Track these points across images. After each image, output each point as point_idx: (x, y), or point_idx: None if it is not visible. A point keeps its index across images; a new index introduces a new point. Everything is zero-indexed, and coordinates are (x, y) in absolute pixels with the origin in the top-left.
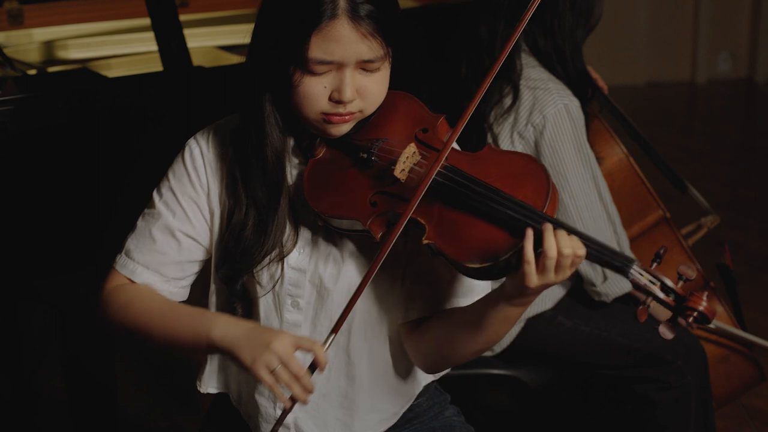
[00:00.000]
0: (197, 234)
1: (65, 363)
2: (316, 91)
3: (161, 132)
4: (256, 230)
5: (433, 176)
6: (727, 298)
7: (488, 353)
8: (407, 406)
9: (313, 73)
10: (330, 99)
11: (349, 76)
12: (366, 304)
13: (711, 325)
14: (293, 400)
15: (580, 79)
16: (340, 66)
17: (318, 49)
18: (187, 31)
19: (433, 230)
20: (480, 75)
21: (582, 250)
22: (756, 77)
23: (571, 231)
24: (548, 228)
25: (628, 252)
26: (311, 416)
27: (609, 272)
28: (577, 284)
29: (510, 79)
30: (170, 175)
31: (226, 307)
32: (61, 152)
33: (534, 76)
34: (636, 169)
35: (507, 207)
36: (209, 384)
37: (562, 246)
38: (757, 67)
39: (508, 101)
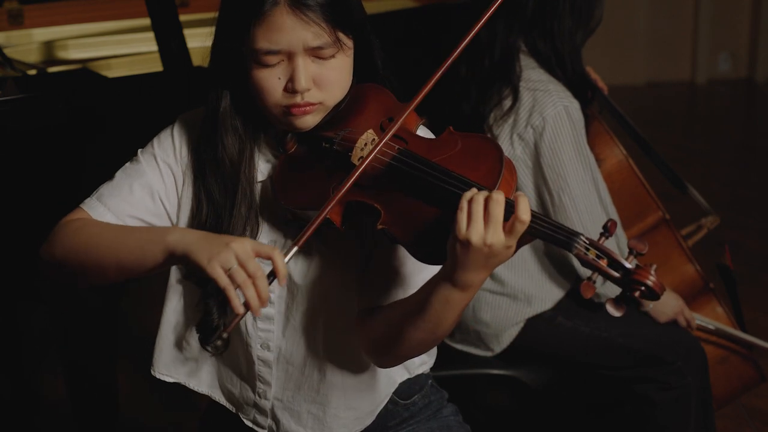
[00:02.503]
0: (168, 204)
1: (66, 363)
2: (270, 83)
3: (161, 132)
4: (214, 230)
5: (375, 152)
6: (727, 298)
7: (488, 353)
8: (383, 405)
9: (264, 65)
10: (285, 90)
11: (301, 65)
12: (333, 298)
13: (711, 326)
14: (246, 308)
15: (580, 83)
16: (290, 55)
17: (262, 39)
18: (187, 31)
19: (387, 215)
20: (479, 75)
21: (525, 214)
22: (756, 77)
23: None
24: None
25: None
26: (286, 407)
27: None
28: (577, 285)
29: (510, 81)
30: (155, 142)
31: (199, 305)
32: (62, 152)
33: (534, 77)
34: (635, 171)
35: (457, 188)
36: (164, 369)
37: (493, 193)
38: (757, 67)
39: (507, 103)
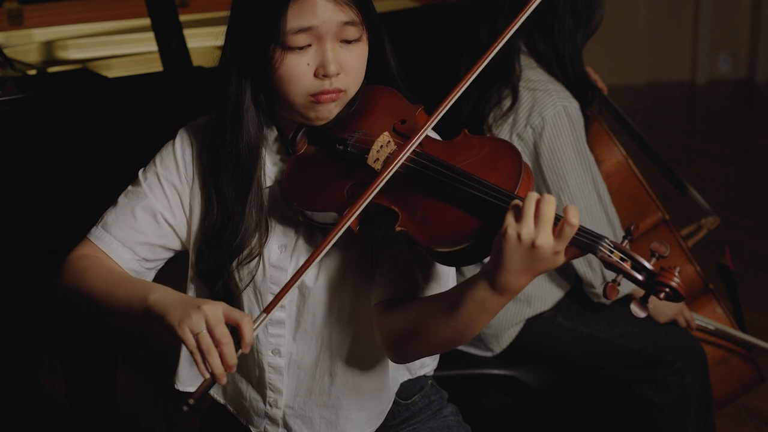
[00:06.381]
0: (175, 223)
1: (65, 363)
2: (299, 69)
3: (161, 132)
4: (225, 229)
5: (401, 162)
6: (727, 298)
7: (488, 353)
8: (390, 404)
9: (293, 48)
10: (315, 76)
11: (330, 48)
12: (344, 298)
13: (711, 327)
14: (212, 375)
15: (580, 84)
16: (319, 38)
17: (294, 18)
18: (187, 31)
19: (405, 217)
20: (480, 77)
21: (575, 218)
22: (756, 77)
23: None
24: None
25: None
26: (298, 414)
27: (608, 274)
28: (577, 286)
29: (509, 80)
30: (158, 160)
31: None
32: (61, 152)
33: (533, 77)
34: (635, 171)
35: (477, 190)
36: (187, 382)
37: (545, 194)
38: (757, 67)
39: (507, 103)
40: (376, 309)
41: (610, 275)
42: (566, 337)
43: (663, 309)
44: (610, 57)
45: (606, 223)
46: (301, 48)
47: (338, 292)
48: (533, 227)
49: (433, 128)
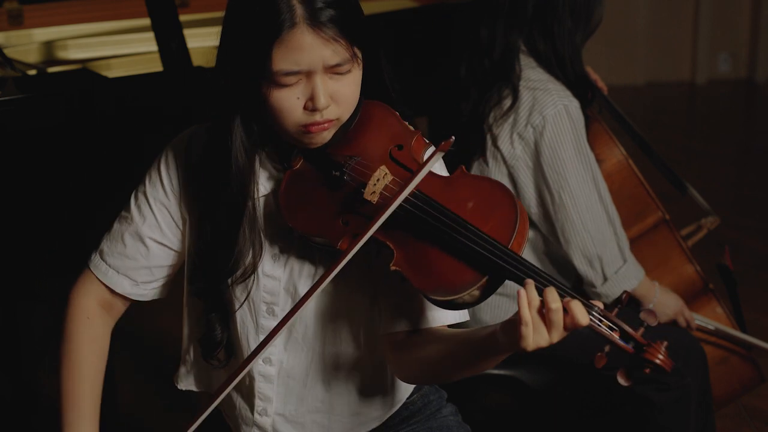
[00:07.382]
0: (168, 240)
1: None
2: (289, 103)
3: (160, 132)
4: (217, 250)
5: (398, 204)
6: (727, 298)
7: None
8: (391, 412)
9: (282, 85)
10: (305, 108)
11: (320, 83)
12: (338, 311)
13: (711, 327)
14: None
15: (580, 83)
16: (308, 74)
17: (282, 60)
18: (187, 31)
19: (400, 257)
20: (479, 75)
21: (584, 318)
22: (756, 77)
23: (528, 269)
24: (530, 283)
25: (628, 254)
26: (289, 420)
27: (609, 274)
28: (577, 285)
29: (509, 80)
30: (146, 179)
31: (203, 316)
32: (61, 152)
33: (533, 77)
34: (635, 171)
35: (473, 242)
36: (187, 381)
37: (550, 300)
38: (757, 67)
39: (507, 102)
40: (385, 341)
41: (614, 278)
42: (566, 337)
43: (663, 309)
44: (610, 57)
45: (606, 221)
46: (291, 84)
47: (332, 306)
48: (547, 335)
49: (428, 138)
